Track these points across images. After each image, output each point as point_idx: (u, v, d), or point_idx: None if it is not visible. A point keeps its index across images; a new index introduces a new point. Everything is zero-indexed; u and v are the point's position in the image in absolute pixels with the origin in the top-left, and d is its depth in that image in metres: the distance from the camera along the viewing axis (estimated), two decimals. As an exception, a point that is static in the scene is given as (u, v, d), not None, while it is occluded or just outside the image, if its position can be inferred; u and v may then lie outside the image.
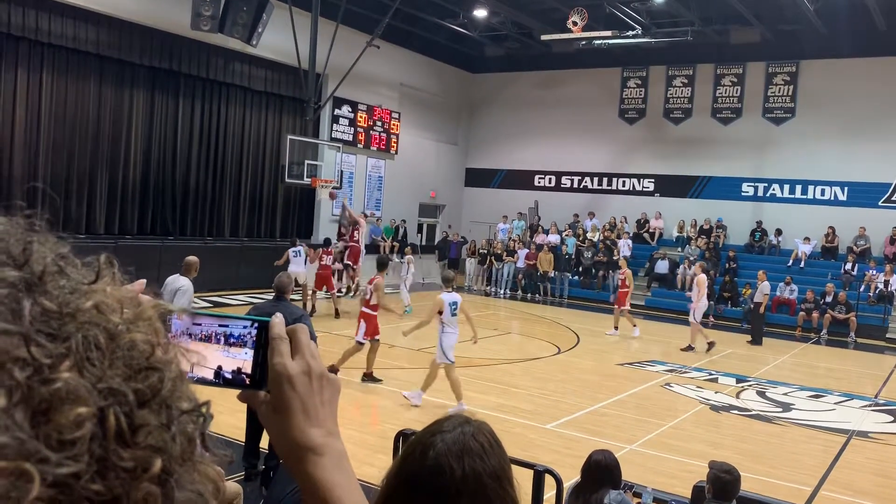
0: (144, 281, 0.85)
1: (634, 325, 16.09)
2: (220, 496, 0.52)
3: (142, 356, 0.49)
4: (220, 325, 0.82)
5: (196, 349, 0.80)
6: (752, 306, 17.24)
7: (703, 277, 15.11)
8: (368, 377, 10.06)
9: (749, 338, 16.53)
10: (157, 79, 17.65)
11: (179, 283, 7.80)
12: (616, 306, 16.59)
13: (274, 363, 0.81)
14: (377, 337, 10.12)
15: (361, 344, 10.05)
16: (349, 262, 17.92)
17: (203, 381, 0.80)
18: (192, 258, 8.23)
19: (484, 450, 1.16)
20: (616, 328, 16.21)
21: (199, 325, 0.81)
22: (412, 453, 1.17)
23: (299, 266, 15.48)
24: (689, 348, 14.64)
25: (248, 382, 0.82)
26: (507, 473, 1.17)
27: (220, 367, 0.80)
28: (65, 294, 0.48)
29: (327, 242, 16.82)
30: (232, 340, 0.81)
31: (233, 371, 0.81)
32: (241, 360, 0.81)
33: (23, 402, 0.42)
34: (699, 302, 14.87)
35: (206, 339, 0.81)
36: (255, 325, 0.82)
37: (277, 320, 0.83)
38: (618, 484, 4.32)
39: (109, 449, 0.44)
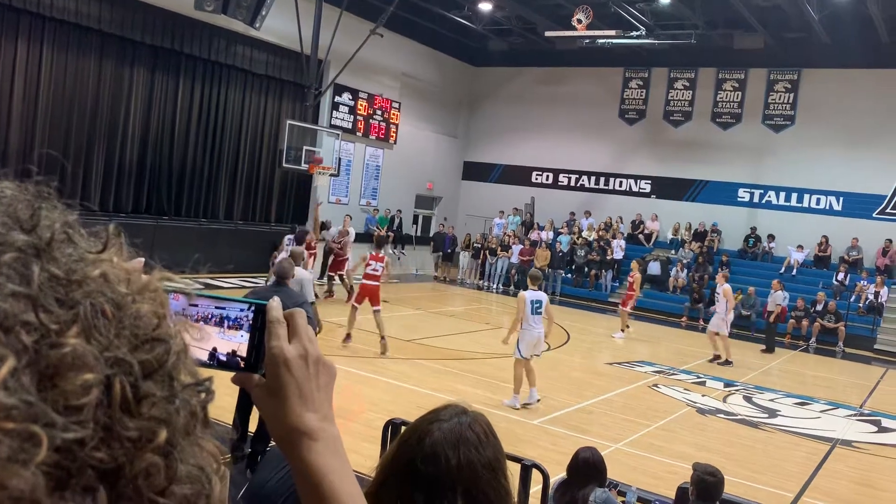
0: (143, 259, 0.85)
1: (623, 330, 16.11)
2: (220, 472, 0.52)
3: (148, 327, 0.49)
4: (216, 307, 0.81)
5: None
6: (765, 315, 17.15)
7: (728, 288, 14.37)
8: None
9: (763, 346, 16.44)
10: (158, 58, 17.55)
11: (301, 274, 8.22)
12: (621, 307, 16.57)
13: (271, 346, 0.81)
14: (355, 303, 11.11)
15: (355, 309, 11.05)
16: (331, 273, 17.13)
17: (198, 363, 0.80)
18: (299, 248, 9.10)
19: (479, 440, 1.17)
20: (622, 330, 16.21)
21: (196, 305, 0.81)
22: (408, 440, 1.18)
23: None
24: (728, 362, 14.00)
25: (242, 365, 0.81)
26: (501, 465, 1.18)
27: (214, 349, 0.80)
28: (72, 262, 0.48)
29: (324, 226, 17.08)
30: (228, 323, 0.81)
31: (228, 353, 0.81)
32: (237, 342, 0.81)
33: (30, 366, 0.42)
34: (729, 314, 14.21)
35: (203, 320, 0.81)
36: (252, 307, 0.82)
37: (275, 304, 0.83)
38: (603, 482, 4.34)
39: (115, 417, 0.44)
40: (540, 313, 9.24)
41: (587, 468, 4.30)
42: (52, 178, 0.54)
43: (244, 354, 0.81)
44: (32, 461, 0.40)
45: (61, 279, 0.46)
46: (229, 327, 0.81)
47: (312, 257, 16.84)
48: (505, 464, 1.19)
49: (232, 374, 0.83)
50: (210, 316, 0.81)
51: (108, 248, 0.52)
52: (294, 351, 0.81)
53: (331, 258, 17.29)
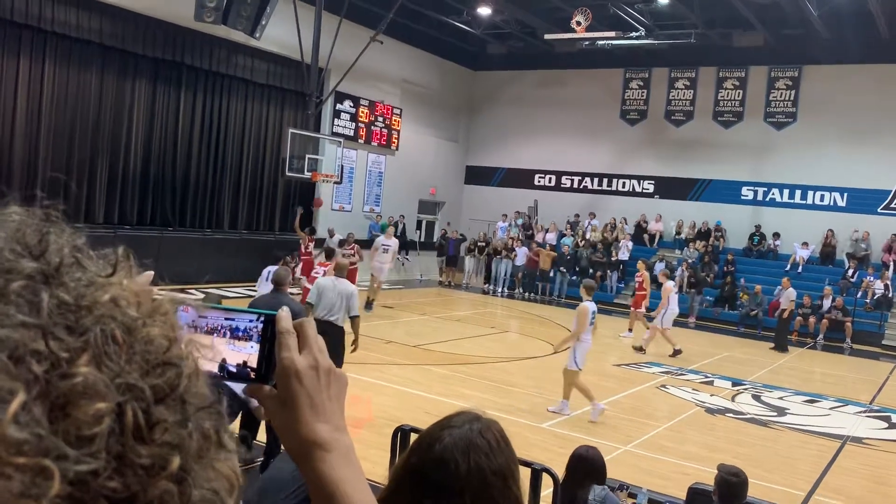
0: (152, 273, 0.85)
1: (630, 330, 16.10)
2: (235, 493, 0.51)
3: (159, 351, 0.48)
4: (225, 319, 0.81)
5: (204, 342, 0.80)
6: (774, 313, 17.01)
7: (669, 286, 14.50)
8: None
9: (772, 344, 16.40)
10: (160, 70, 17.62)
11: (349, 288, 8.14)
12: (632, 308, 16.54)
13: (282, 357, 0.80)
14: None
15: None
16: (302, 276, 16.90)
17: (210, 375, 0.80)
18: (343, 260, 9.06)
19: (490, 447, 1.16)
20: (630, 330, 16.23)
21: (205, 317, 0.81)
22: (419, 446, 1.17)
23: (383, 262, 15.41)
24: (641, 350, 14.28)
25: (253, 376, 0.81)
26: (513, 472, 1.17)
27: (224, 361, 0.80)
28: (81, 286, 0.47)
29: (312, 231, 17.21)
30: (238, 334, 0.81)
31: (238, 365, 0.81)
32: (247, 353, 0.81)
33: (41, 397, 0.41)
34: (669, 308, 14.22)
35: (212, 332, 0.81)
36: (262, 318, 0.82)
37: (284, 314, 0.83)
38: (602, 479, 4.30)
39: (127, 445, 0.44)
40: (594, 324, 9.17)
41: (584, 466, 4.28)
42: (58, 199, 0.54)
43: (255, 365, 0.81)
44: (45, 496, 0.39)
45: (71, 305, 0.45)
46: (239, 339, 0.81)
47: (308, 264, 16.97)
48: (517, 471, 1.19)
49: (243, 385, 0.83)
50: (220, 327, 0.81)
51: (118, 271, 0.51)
52: (304, 362, 0.81)
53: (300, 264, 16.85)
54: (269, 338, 0.82)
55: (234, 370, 0.81)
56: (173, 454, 0.46)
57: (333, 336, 7.82)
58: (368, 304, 15.05)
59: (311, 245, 17.06)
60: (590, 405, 9.11)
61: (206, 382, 0.52)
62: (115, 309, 0.47)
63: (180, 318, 0.80)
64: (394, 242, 15.54)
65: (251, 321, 0.82)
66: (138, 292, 0.51)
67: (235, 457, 0.53)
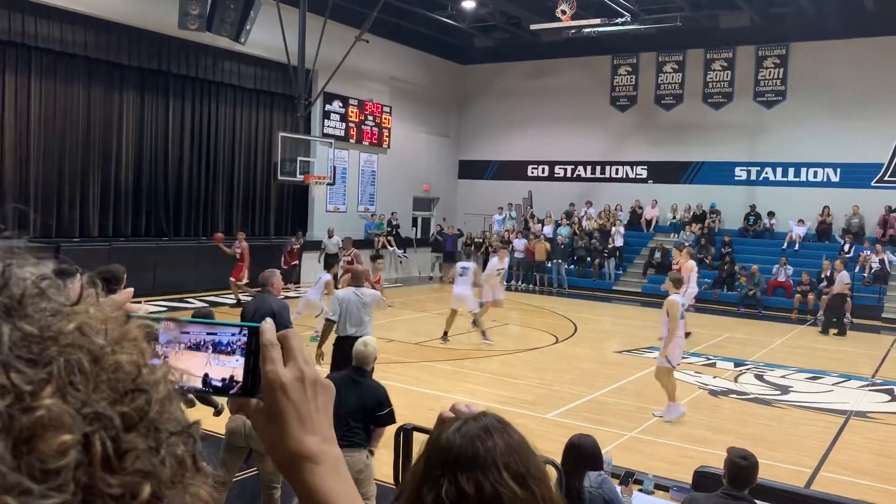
0: (132, 290, 0.84)
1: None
2: None
3: (128, 378, 0.48)
4: (208, 333, 0.80)
5: (185, 358, 0.79)
6: (832, 296, 16.61)
7: (691, 264, 14.13)
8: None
9: (835, 330, 16.01)
10: (147, 80, 17.58)
11: (372, 295, 7.81)
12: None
13: (266, 371, 0.79)
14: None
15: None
16: (232, 279, 15.82)
17: (192, 390, 0.79)
18: (361, 267, 8.73)
19: (505, 427, 1.19)
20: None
21: (188, 332, 0.80)
22: (436, 440, 1.17)
23: (464, 287, 12.75)
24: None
25: (239, 390, 0.80)
26: (529, 446, 1.20)
27: (207, 376, 0.79)
28: (46, 317, 0.47)
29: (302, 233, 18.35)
30: (221, 348, 0.80)
31: (223, 379, 0.80)
32: (231, 367, 0.80)
33: (4, 432, 0.41)
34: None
35: (195, 347, 0.80)
36: (244, 331, 0.81)
37: (268, 326, 0.81)
38: (597, 465, 4.30)
39: (96, 476, 0.43)
40: (684, 318, 8.76)
41: (575, 454, 4.28)
42: (51, 216, 0.53)
43: (240, 379, 0.80)
44: None
45: (35, 337, 0.45)
46: (223, 352, 0.80)
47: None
48: (531, 446, 1.21)
49: (230, 399, 0.82)
50: (202, 342, 0.80)
51: (83, 298, 0.50)
52: (290, 374, 0.80)
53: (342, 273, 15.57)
54: (253, 350, 0.81)
55: (219, 385, 0.80)
56: (144, 482, 0.45)
57: None
58: (484, 336, 13.03)
59: (297, 247, 17.71)
60: (666, 405, 8.72)
61: (181, 407, 0.52)
62: (82, 338, 0.47)
63: (162, 336, 0.80)
64: (471, 265, 13.37)
65: (234, 334, 0.81)
66: (106, 319, 0.50)
67: (211, 480, 0.52)
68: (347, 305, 7.55)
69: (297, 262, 18.42)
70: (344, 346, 7.30)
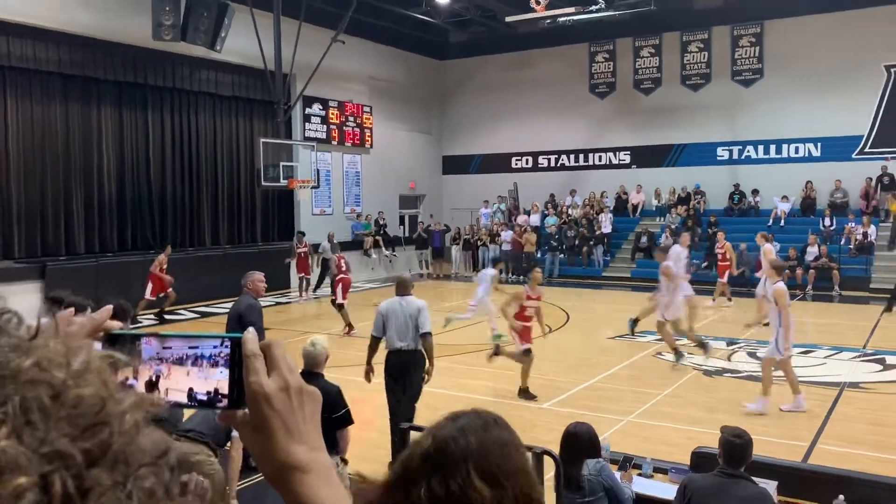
0: (111, 307, 0.84)
1: (729, 299, 16.37)
2: None
3: (90, 412, 0.46)
4: (190, 347, 0.80)
5: (169, 373, 0.79)
6: None
7: (769, 247, 13.18)
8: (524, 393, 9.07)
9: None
10: (124, 93, 17.46)
11: (417, 303, 7.03)
12: (719, 278, 16.78)
13: (249, 382, 0.78)
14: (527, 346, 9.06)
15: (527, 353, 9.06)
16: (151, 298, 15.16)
17: (179, 405, 0.79)
18: (407, 275, 8.06)
19: (487, 424, 1.17)
20: (714, 300, 16.40)
21: (170, 347, 0.80)
22: (419, 441, 1.17)
23: (482, 289, 12.64)
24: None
25: (225, 402, 0.80)
26: (515, 441, 1.18)
27: (191, 390, 0.79)
28: (4, 353, 0.46)
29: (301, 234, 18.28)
30: (204, 361, 0.79)
31: (208, 392, 0.79)
32: (216, 380, 0.79)
33: None
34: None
35: (179, 361, 0.80)
36: (227, 342, 0.80)
37: (250, 336, 0.81)
38: (595, 453, 4.33)
39: None
40: (789, 304, 8.49)
41: (571, 442, 4.31)
42: (36, 235, 0.52)
43: (226, 392, 0.79)
44: None
45: None
46: (206, 365, 0.80)
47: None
48: (521, 445, 1.19)
49: (218, 412, 0.82)
50: (185, 357, 0.79)
51: (41, 331, 0.49)
52: (274, 384, 0.79)
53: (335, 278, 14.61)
54: (238, 361, 0.80)
55: (203, 398, 0.79)
56: None
57: (412, 365, 7.00)
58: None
59: (305, 251, 17.52)
60: (760, 397, 8.46)
61: (153, 436, 0.50)
62: (41, 373, 0.46)
63: (144, 352, 0.80)
64: (491, 272, 13.02)
65: (216, 347, 0.80)
66: (68, 351, 0.49)
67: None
68: (389, 316, 7.00)
69: (307, 267, 18.24)
70: (393, 360, 7.03)
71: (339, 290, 13.85)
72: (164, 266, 15.12)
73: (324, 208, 22.18)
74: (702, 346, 10.78)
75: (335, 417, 4.99)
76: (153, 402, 0.52)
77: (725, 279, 16.62)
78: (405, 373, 7.03)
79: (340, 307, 13.70)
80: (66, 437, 0.44)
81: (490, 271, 13.04)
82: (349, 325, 13.37)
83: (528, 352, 9.05)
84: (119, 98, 17.41)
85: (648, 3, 20.18)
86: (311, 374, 5.10)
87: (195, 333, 0.82)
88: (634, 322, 12.20)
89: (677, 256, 12.11)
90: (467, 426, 1.16)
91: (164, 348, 0.79)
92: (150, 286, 14.81)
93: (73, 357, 0.48)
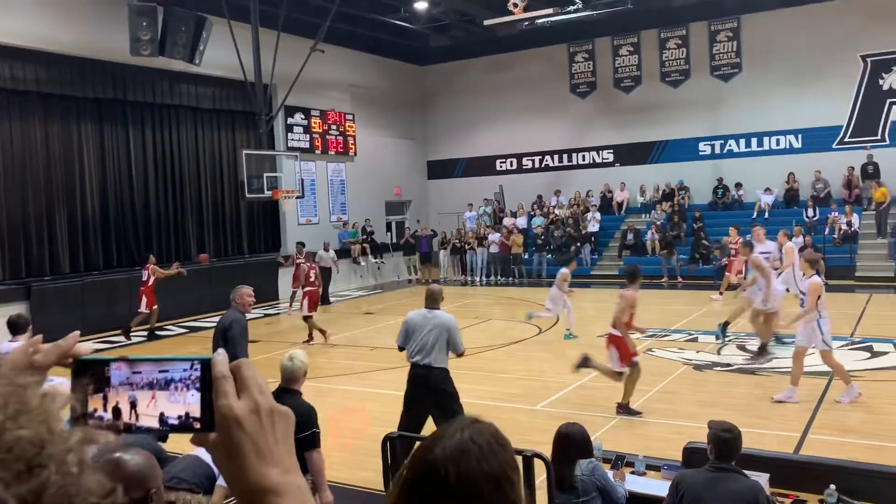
0: (77, 333, 0.83)
1: (720, 294, 16.60)
2: None
3: (26, 455, 0.45)
4: (160, 371, 0.79)
5: (140, 398, 0.78)
6: None
7: (790, 245, 12.18)
8: (624, 408, 8.39)
9: None
10: (104, 110, 17.36)
11: (446, 321, 6.71)
12: (727, 272, 16.94)
13: (219, 405, 0.77)
14: (635, 360, 8.38)
15: (620, 374, 8.36)
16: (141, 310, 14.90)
17: (150, 431, 0.79)
18: (436, 286, 7.32)
19: (482, 452, 1.11)
20: (721, 294, 16.64)
21: (139, 372, 0.79)
22: (413, 460, 1.15)
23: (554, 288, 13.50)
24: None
25: (199, 426, 0.79)
26: (507, 475, 1.12)
27: (162, 414, 0.78)
28: None
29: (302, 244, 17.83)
30: (174, 385, 0.79)
31: (180, 416, 0.78)
32: (188, 403, 0.79)
33: None
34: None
35: (149, 385, 0.79)
36: (197, 365, 0.80)
37: (220, 358, 0.80)
38: (587, 453, 4.34)
39: None
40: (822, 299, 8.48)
41: (562, 443, 4.32)
42: (20, 256, 0.50)
43: (197, 415, 0.79)
44: None
45: None
46: (178, 389, 0.79)
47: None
48: (513, 474, 1.14)
49: (190, 435, 0.81)
50: (155, 381, 0.79)
51: None
52: (244, 407, 0.77)
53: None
54: (208, 384, 0.79)
55: (175, 422, 0.78)
56: None
57: (433, 382, 6.57)
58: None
59: (302, 261, 16.99)
60: (789, 388, 8.51)
61: (99, 475, 0.49)
62: None
63: (114, 378, 0.79)
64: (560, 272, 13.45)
65: (185, 370, 0.79)
66: (7, 393, 0.47)
67: None
68: (413, 328, 6.68)
69: (313, 280, 14.78)
70: (411, 374, 6.74)
71: (305, 302, 13.70)
72: (160, 276, 15.04)
73: (310, 217, 22.13)
74: (763, 349, 10.88)
75: (298, 438, 4.85)
76: (102, 436, 0.50)
77: (732, 273, 16.64)
78: (418, 389, 6.68)
79: (307, 318, 13.58)
80: (0, 484, 0.42)
81: (562, 270, 13.58)
82: (322, 332, 13.32)
83: (634, 364, 8.26)
84: (99, 115, 17.30)
85: (625, 2, 20.27)
86: (287, 390, 4.87)
87: (165, 357, 0.81)
88: (725, 325, 11.98)
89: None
90: (451, 454, 1.11)
91: (133, 373, 0.79)
92: (143, 300, 14.73)
93: (13, 398, 0.47)
